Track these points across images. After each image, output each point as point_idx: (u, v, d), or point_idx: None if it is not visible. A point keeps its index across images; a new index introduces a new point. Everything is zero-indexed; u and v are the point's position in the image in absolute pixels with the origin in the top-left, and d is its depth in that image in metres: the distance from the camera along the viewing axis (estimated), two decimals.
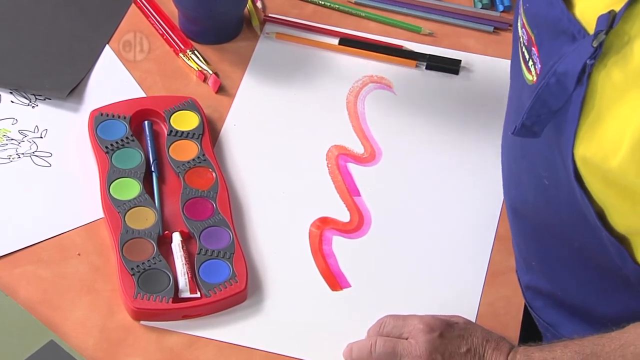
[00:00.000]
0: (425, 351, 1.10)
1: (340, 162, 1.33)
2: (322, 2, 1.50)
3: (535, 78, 1.04)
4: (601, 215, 1.04)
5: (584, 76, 0.97)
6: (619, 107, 0.96)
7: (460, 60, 1.43)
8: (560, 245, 1.13)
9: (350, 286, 1.22)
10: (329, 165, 1.33)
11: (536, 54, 1.04)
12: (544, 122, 1.02)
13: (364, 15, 1.49)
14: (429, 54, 1.44)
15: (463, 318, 1.14)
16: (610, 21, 0.95)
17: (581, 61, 0.97)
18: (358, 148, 1.35)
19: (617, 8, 0.95)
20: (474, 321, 1.18)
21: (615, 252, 1.05)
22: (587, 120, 0.99)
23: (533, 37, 1.05)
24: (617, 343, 1.03)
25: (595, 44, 0.96)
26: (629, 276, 1.07)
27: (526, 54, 1.06)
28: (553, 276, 1.17)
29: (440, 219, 1.28)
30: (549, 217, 1.12)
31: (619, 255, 1.06)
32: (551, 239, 1.14)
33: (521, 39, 1.08)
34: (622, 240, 1.05)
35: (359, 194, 1.30)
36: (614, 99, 0.97)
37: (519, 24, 1.09)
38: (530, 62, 1.05)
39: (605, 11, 0.96)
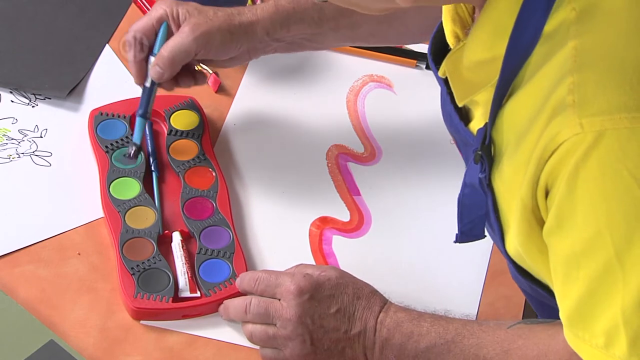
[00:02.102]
0: (295, 315, 1.09)
1: (340, 161, 1.33)
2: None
3: None
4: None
5: (485, 186, 0.97)
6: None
7: None
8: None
9: None
10: (329, 165, 1.33)
11: (460, 154, 1.06)
12: (480, 224, 1.02)
13: None
14: None
15: (336, 271, 1.13)
16: (484, 135, 0.95)
17: (476, 174, 0.97)
18: (358, 147, 1.35)
19: None
20: None
21: None
22: (507, 225, 0.99)
23: (455, 141, 1.06)
24: (474, 340, 1.03)
25: (476, 160, 0.96)
26: None
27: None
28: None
29: (440, 218, 1.28)
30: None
31: None
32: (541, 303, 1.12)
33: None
34: None
35: (359, 194, 1.30)
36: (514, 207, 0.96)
37: None
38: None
39: (482, 125, 0.96)
